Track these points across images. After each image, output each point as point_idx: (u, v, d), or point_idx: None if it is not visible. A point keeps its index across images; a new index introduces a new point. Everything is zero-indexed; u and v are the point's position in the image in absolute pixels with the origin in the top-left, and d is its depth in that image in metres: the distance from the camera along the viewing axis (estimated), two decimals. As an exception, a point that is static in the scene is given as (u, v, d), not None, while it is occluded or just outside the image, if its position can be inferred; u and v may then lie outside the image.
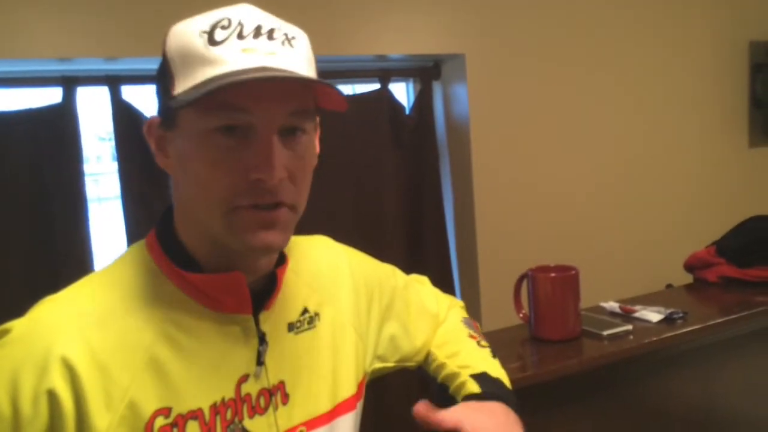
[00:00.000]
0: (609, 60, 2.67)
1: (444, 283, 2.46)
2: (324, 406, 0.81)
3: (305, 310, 0.83)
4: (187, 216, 0.74)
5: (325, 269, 0.89)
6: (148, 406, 0.67)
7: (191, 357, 0.70)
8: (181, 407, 0.69)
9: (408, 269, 1.05)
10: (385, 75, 2.35)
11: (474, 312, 2.53)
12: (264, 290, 0.78)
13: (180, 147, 0.70)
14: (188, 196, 0.72)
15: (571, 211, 2.62)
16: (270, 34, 0.68)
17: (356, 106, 2.29)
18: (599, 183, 2.69)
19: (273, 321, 0.78)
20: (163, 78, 0.71)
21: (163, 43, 0.71)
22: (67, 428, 0.64)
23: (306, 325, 0.82)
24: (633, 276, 2.54)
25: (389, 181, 2.39)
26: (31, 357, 0.65)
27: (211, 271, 0.73)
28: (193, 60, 0.67)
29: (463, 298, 2.53)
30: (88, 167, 1.97)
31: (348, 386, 0.86)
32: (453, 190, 2.54)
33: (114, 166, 2.04)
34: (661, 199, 2.83)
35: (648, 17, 2.74)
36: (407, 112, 2.44)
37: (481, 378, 0.89)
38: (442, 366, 0.94)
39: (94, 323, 0.67)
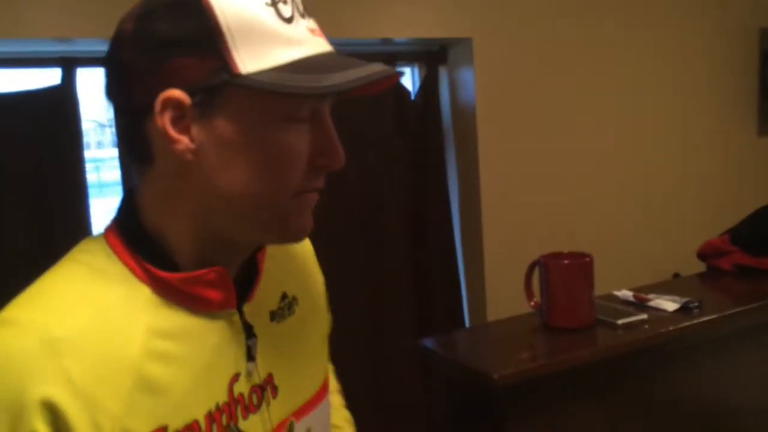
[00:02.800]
0: (618, 46, 2.63)
1: (448, 271, 2.43)
2: (309, 392, 0.78)
3: (284, 296, 0.78)
4: (189, 207, 0.65)
5: (296, 250, 0.85)
6: (143, 430, 0.60)
7: (180, 366, 0.64)
8: (176, 423, 0.63)
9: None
10: (391, 59, 2.30)
11: (479, 300, 2.50)
12: (244, 280, 0.72)
13: (226, 129, 0.61)
14: (225, 185, 0.63)
15: (578, 199, 2.59)
16: (307, 11, 0.66)
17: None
18: (607, 171, 2.65)
19: (257, 312, 0.73)
20: (202, 47, 0.59)
21: (202, 4, 0.59)
22: None
23: (287, 312, 0.77)
24: (640, 265, 2.51)
25: (393, 166, 2.35)
26: (2, 404, 0.56)
27: (188, 268, 0.66)
28: (263, 35, 0.60)
29: (468, 285, 2.50)
30: (90, 153, 1.93)
31: (325, 368, 0.84)
32: (458, 177, 2.50)
33: (114, 152, 2.00)
34: (669, 188, 2.80)
35: (658, 3, 2.69)
36: (412, 97, 2.39)
37: None
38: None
39: (70, 350, 0.58)
